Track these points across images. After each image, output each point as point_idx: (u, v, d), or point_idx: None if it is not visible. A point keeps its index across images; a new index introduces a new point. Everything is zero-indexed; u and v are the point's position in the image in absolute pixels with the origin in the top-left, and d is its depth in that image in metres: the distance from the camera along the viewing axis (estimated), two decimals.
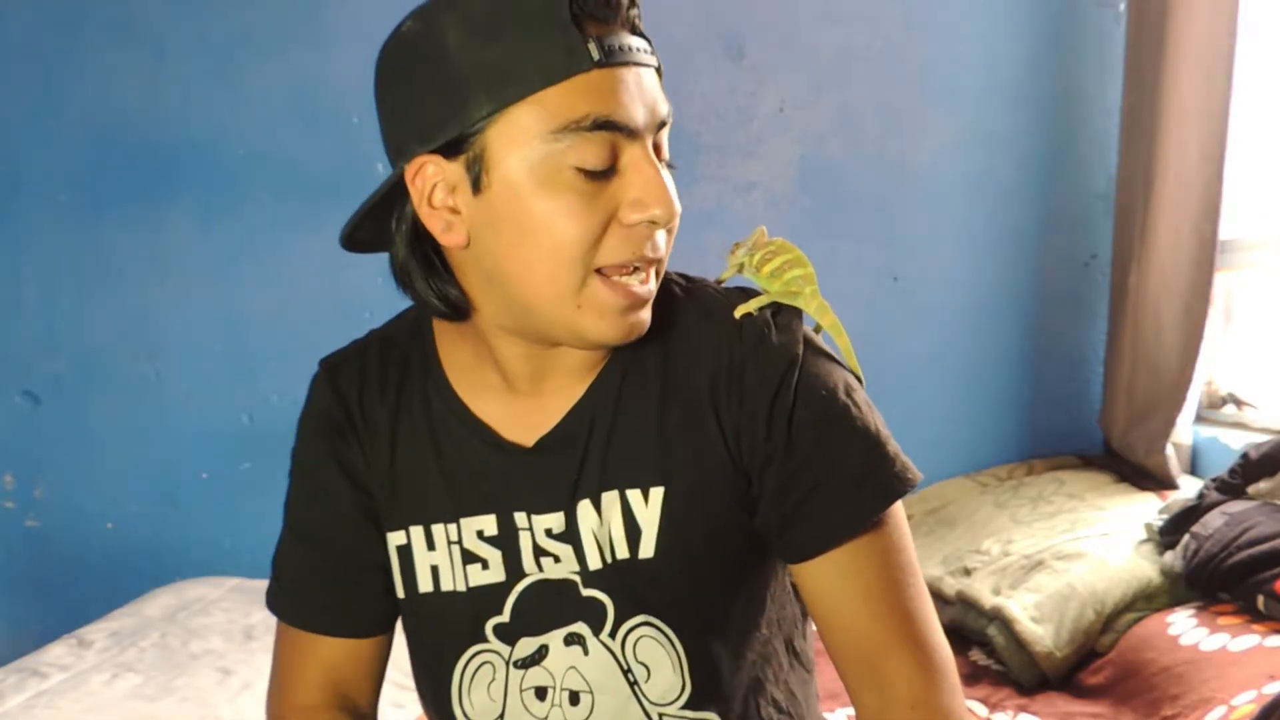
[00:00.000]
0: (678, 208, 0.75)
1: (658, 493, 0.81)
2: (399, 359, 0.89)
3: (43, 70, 2.14)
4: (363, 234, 0.83)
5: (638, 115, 0.73)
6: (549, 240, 0.73)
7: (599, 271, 0.75)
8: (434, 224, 0.76)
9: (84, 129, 2.16)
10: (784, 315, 0.84)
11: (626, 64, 0.73)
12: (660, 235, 0.77)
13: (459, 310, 0.81)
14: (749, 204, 2.31)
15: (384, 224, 0.81)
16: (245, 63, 2.18)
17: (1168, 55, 2.06)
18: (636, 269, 0.76)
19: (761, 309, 0.84)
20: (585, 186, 0.73)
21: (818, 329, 0.88)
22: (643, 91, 0.74)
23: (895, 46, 2.32)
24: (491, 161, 0.73)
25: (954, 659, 0.82)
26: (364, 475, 0.88)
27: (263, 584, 1.99)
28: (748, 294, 0.87)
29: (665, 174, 0.75)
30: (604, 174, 0.73)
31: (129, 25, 2.16)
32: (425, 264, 0.80)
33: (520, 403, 0.84)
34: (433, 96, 0.73)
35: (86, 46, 2.15)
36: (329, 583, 0.89)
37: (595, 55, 0.71)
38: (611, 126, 0.72)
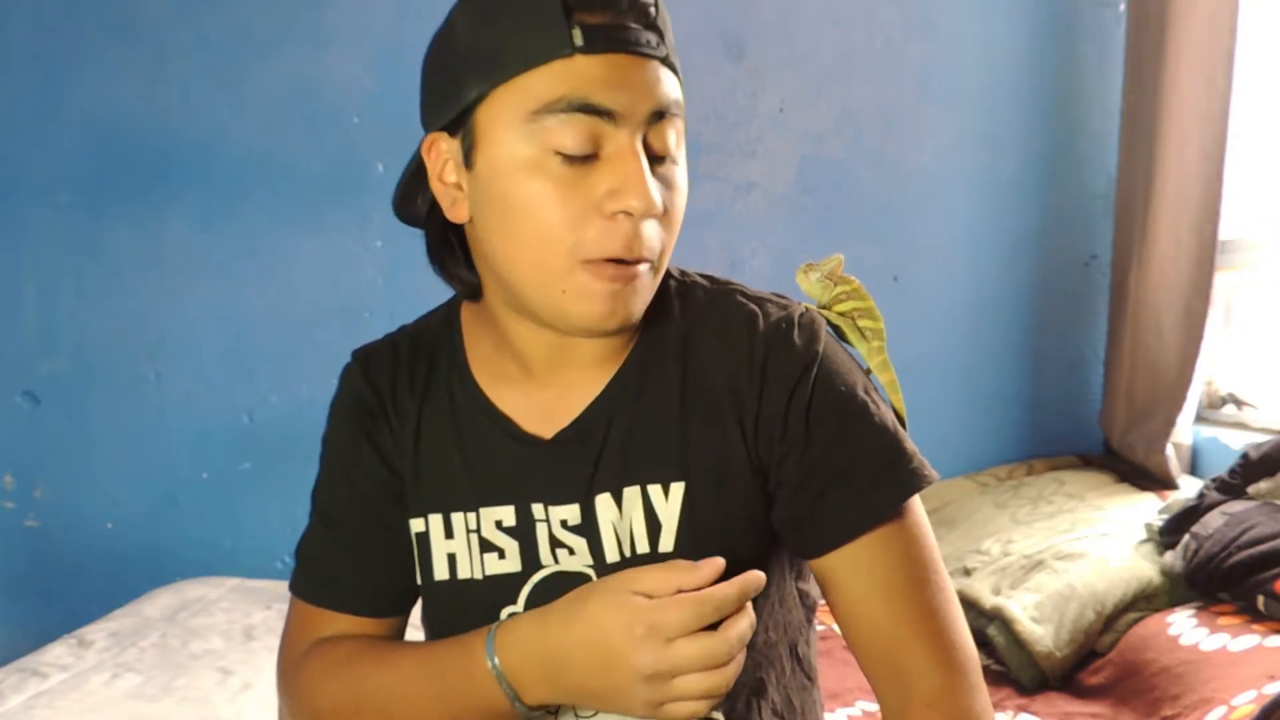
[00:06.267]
0: (657, 200, 0.74)
1: (678, 488, 0.82)
2: (428, 352, 0.90)
3: (43, 70, 2.14)
4: (414, 208, 0.86)
5: (619, 100, 0.73)
6: (531, 223, 0.75)
7: (588, 261, 0.75)
8: (443, 199, 0.80)
9: (84, 129, 2.16)
10: (806, 316, 0.85)
11: (615, 51, 0.73)
12: (649, 229, 0.76)
13: (473, 289, 0.84)
14: (749, 204, 2.31)
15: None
16: (245, 63, 2.18)
17: (1168, 55, 2.06)
18: (625, 262, 0.76)
19: (786, 309, 0.86)
20: (565, 172, 0.74)
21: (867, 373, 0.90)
22: (630, 77, 0.74)
23: (895, 47, 2.32)
24: (480, 141, 0.76)
25: (978, 658, 0.82)
26: (394, 458, 0.89)
27: (263, 584, 2.01)
28: (781, 298, 0.88)
29: (646, 165, 0.74)
30: (585, 160, 0.74)
31: (129, 25, 2.15)
32: (441, 239, 0.84)
33: (540, 394, 0.85)
34: (443, 78, 0.78)
35: (86, 46, 2.15)
36: (352, 560, 0.89)
37: (578, 41, 0.72)
38: (589, 110, 0.72)
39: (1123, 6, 2.30)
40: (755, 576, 0.69)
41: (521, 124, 0.73)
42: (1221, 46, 1.97)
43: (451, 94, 0.76)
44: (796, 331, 0.83)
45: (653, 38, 0.75)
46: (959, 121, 2.33)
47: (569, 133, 0.73)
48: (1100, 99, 2.33)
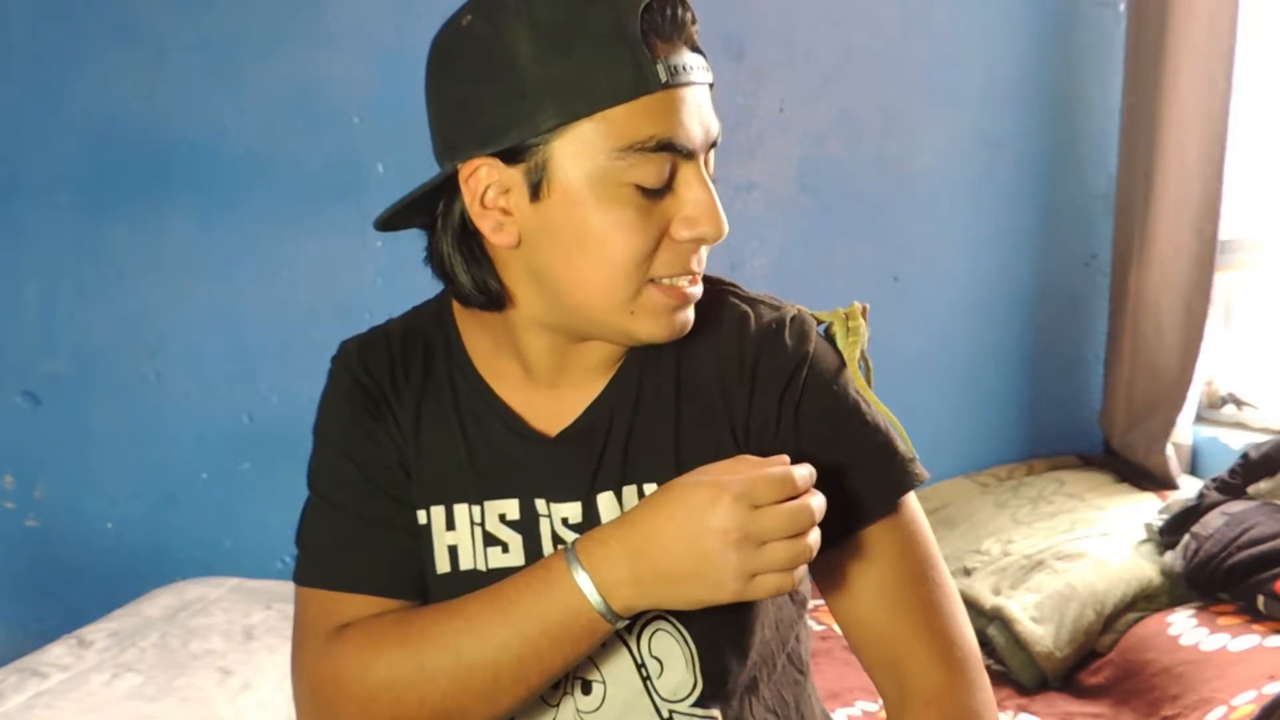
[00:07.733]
0: (725, 227, 0.78)
1: None
2: (422, 344, 0.90)
3: (43, 70, 2.14)
4: (397, 219, 0.84)
5: (696, 137, 0.76)
6: (605, 252, 0.76)
7: (650, 280, 0.78)
8: (484, 223, 0.78)
9: (84, 129, 2.15)
10: (798, 317, 0.87)
11: (688, 84, 0.75)
12: (704, 248, 0.80)
13: (496, 302, 0.82)
14: (749, 204, 2.31)
15: (415, 208, 0.82)
16: (245, 63, 2.18)
17: (1168, 55, 2.07)
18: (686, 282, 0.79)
19: (779, 310, 0.88)
20: (641, 202, 0.75)
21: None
22: (700, 112, 0.76)
23: (895, 47, 2.32)
24: (553, 172, 0.75)
25: (980, 655, 0.82)
26: (399, 444, 0.87)
27: (263, 584, 2.01)
28: (773, 299, 0.90)
29: (716, 194, 0.77)
30: (659, 191, 0.76)
31: (129, 25, 2.15)
32: (470, 257, 0.81)
33: (541, 394, 0.86)
34: (498, 103, 0.74)
35: (86, 46, 2.14)
36: (369, 538, 0.85)
37: (663, 77, 0.73)
38: (672, 148, 0.74)
39: (1123, 6, 2.30)
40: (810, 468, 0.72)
41: (604, 158, 0.73)
42: (1221, 46, 1.97)
43: (513, 122, 0.74)
44: (788, 332, 0.85)
45: (702, 60, 0.77)
46: (959, 121, 2.33)
47: (653, 169, 0.74)
48: (1100, 99, 2.33)
